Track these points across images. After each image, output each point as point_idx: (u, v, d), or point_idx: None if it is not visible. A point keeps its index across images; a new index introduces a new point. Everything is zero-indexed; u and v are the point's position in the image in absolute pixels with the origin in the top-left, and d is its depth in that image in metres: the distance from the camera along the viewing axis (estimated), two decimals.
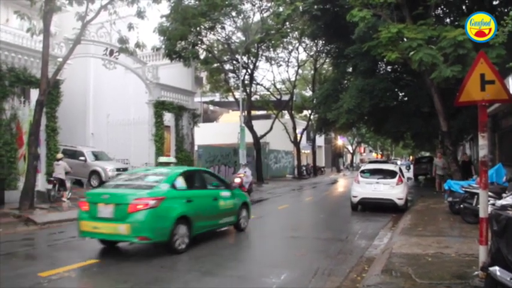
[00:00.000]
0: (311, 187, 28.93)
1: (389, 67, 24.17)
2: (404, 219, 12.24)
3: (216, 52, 30.21)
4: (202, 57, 28.01)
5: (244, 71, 29.77)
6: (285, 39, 30.77)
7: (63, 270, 7.10)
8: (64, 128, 18.68)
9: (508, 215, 4.62)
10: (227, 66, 31.77)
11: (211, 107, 52.97)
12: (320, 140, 50.86)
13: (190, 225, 8.82)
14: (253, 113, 37.04)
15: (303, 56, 39.12)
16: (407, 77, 23.59)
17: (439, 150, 22.05)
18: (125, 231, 7.92)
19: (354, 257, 8.28)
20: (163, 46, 24.80)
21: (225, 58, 30.81)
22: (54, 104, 17.27)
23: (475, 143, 26.35)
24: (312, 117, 40.17)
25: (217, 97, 40.40)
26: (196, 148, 27.51)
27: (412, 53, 14.25)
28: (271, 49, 31.81)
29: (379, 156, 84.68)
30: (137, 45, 15.96)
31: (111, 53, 20.58)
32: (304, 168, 42.13)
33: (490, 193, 7.96)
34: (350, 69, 24.87)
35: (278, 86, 39.32)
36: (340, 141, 63.63)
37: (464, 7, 18.88)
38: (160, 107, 23.23)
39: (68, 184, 16.58)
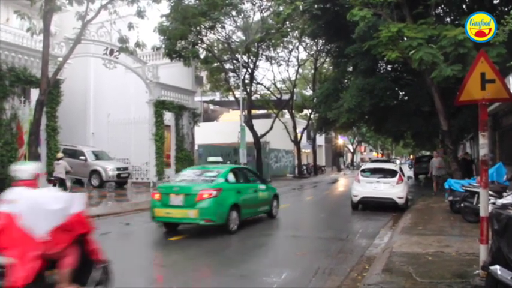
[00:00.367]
0: (311, 186, 28.93)
1: (389, 66, 24.15)
2: (405, 218, 12.23)
3: (216, 51, 30.22)
4: (202, 56, 28.01)
5: (244, 70, 29.77)
6: (285, 39, 30.78)
7: None
8: (64, 127, 18.70)
9: (508, 214, 4.62)
10: (227, 66, 31.77)
11: (211, 107, 52.99)
12: (320, 139, 50.86)
13: (239, 211, 10.95)
14: (254, 112, 37.05)
15: (303, 55, 39.13)
16: (407, 76, 23.57)
17: (439, 150, 22.06)
18: (194, 215, 10.06)
19: (354, 256, 8.27)
20: (163, 45, 24.80)
21: (225, 57, 30.82)
22: (55, 104, 17.30)
23: (475, 142, 26.34)
24: (312, 116, 40.19)
25: (217, 96, 40.43)
26: (196, 147, 27.54)
27: (412, 52, 14.24)
28: (271, 48, 31.83)
29: (380, 155, 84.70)
30: (137, 44, 15.96)
31: (111, 52, 20.61)
32: (304, 167, 42.12)
33: (490, 192, 7.97)
34: (350, 69, 24.85)
35: (278, 85, 39.32)
36: (341, 140, 63.63)
37: (464, 6, 18.86)
38: (160, 106, 23.26)
39: (68, 183, 16.59)
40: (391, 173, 15.21)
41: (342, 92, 23.05)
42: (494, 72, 5.97)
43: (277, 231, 11.61)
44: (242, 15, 28.76)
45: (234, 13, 27.95)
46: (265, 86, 38.15)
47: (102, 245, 9.48)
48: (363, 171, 15.96)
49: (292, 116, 39.01)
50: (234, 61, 30.39)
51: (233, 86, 33.33)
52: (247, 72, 30.90)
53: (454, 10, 19.53)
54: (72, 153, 21.67)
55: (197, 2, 24.56)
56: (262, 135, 32.32)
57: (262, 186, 12.94)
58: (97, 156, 22.37)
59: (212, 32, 28.39)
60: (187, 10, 21.25)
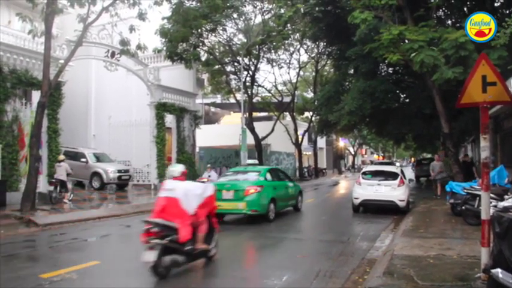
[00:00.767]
0: (312, 189, 28.90)
1: (390, 69, 24.15)
2: (406, 221, 12.21)
3: (217, 54, 30.24)
4: (203, 59, 28.02)
5: (245, 72, 29.79)
6: (286, 41, 30.79)
7: (65, 272, 7.10)
8: (66, 129, 18.71)
9: (510, 217, 4.60)
10: (228, 68, 31.78)
11: (212, 109, 53.00)
12: (321, 142, 50.84)
13: (275, 204, 13.43)
14: (255, 114, 37.01)
15: (304, 57, 39.27)
16: (408, 79, 23.56)
17: (440, 152, 22.01)
18: (242, 207, 12.53)
19: (355, 259, 8.26)
20: (164, 48, 24.82)
21: (226, 60, 30.83)
22: (56, 106, 17.31)
23: (476, 144, 26.32)
24: (313, 118, 40.18)
25: (218, 99, 40.39)
26: (197, 150, 27.51)
27: (413, 54, 14.24)
28: (272, 51, 31.83)
29: (381, 158, 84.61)
30: (138, 47, 15.99)
31: (113, 54, 20.64)
32: (305, 169, 42.09)
33: (492, 195, 7.95)
34: (351, 71, 24.86)
35: (279, 87, 39.34)
36: (342, 142, 63.61)
37: (465, 9, 18.86)
38: (161, 108, 23.28)
39: (70, 186, 16.60)
40: (392, 176, 15.19)
41: (343, 95, 23.05)
42: (496, 74, 5.97)
43: (276, 234, 11.60)
44: (243, 17, 28.79)
45: (235, 15, 27.97)
46: (266, 89, 38.16)
47: (102, 246, 9.55)
48: (364, 173, 15.94)
49: (294, 119, 39.00)
50: (235, 63, 30.41)
51: (234, 88, 33.33)
52: (249, 75, 30.92)
53: (455, 13, 19.55)
54: (74, 156, 21.67)
55: (198, 4, 24.59)
56: (264, 138, 32.32)
57: (291, 184, 15.57)
58: (98, 158, 22.37)
59: (213, 34, 28.41)
60: (188, 12, 21.28)
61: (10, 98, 15.73)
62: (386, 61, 16.31)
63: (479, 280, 5.80)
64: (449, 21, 20.14)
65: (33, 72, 16.60)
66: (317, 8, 21.86)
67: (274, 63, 35.22)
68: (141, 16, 15.68)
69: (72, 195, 16.61)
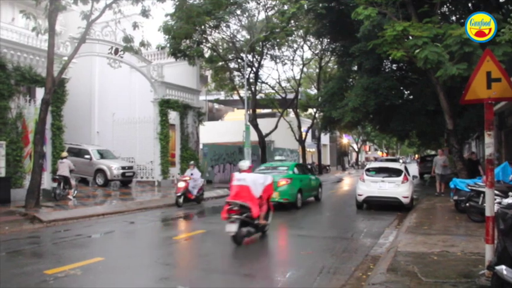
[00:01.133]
0: None
1: (394, 65, 24.10)
2: (410, 218, 12.19)
3: (220, 50, 30.19)
4: (207, 55, 28.00)
5: (249, 69, 29.75)
6: (289, 38, 30.68)
7: (69, 268, 7.12)
8: (69, 126, 18.76)
9: None
10: (232, 65, 31.74)
11: (216, 106, 53.04)
12: (325, 139, 50.79)
13: (302, 194, 15.72)
14: (258, 111, 37.02)
15: (308, 54, 39.25)
16: (412, 75, 23.51)
17: (445, 148, 21.90)
18: (276, 196, 13.78)
19: (359, 256, 8.25)
20: (168, 45, 24.84)
21: (229, 56, 30.78)
22: (60, 103, 17.35)
23: (481, 141, 26.26)
24: (317, 115, 40.13)
25: (222, 95, 40.41)
26: (201, 146, 27.54)
27: (417, 51, 14.20)
28: (276, 47, 31.74)
29: (385, 154, 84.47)
30: (142, 44, 15.97)
31: (116, 51, 20.66)
32: (309, 166, 42.02)
33: (496, 192, 7.93)
34: (355, 68, 24.83)
35: (283, 84, 39.32)
36: (345, 139, 63.54)
37: (470, 5, 18.79)
38: (165, 105, 23.30)
39: (73, 182, 16.65)
40: (396, 173, 15.15)
41: (347, 91, 23.04)
42: (500, 71, 5.94)
43: (280, 230, 11.60)
44: (247, 14, 28.74)
45: (238, 12, 27.93)
46: (270, 85, 38.14)
47: (106, 243, 9.57)
48: (368, 170, 15.91)
49: (297, 115, 38.98)
50: (239, 60, 30.37)
51: (238, 85, 33.31)
52: (252, 71, 30.87)
53: (460, 9, 19.48)
54: (77, 152, 21.76)
55: (202, 1, 24.57)
56: (267, 134, 32.30)
57: (313, 177, 17.94)
58: (102, 155, 22.43)
59: (217, 31, 28.38)
60: (191, 9, 21.20)
61: (14, 95, 15.76)
62: (390, 57, 16.27)
63: (483, 277, 5.79)
64: (454, 17, 20.08)
65: (37, 69, 16.63)
66: (320, 5, 21.82)
67: (277, 60, 35.13)
68: (145, 13, 15.66)
69: (76, 192, 16.67)
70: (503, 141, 18.24)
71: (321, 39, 32.18)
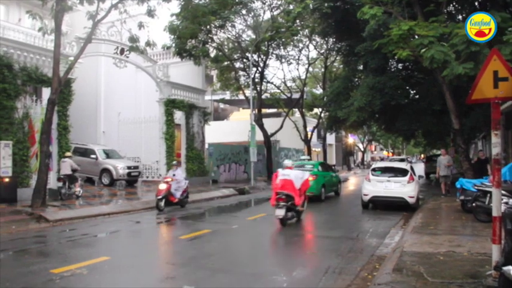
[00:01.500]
0: None
1: (400, 65, 24.01)
2: (416, 218, 12.15)
3: (226, 50, 30.20)
4: (212, 55, 28.02)
5: (254, 69, 29.74)
6: (295, 37, 30.62)
7: (75, 267, 7.15)
8: (75, 126, 18.84)
9: None
10: (237, 64, 31.74)
11: (221, 105, 53.05)
12: (331, 138, 50.67)
13: (325, 189, 18.29)
14: (264, 111, 36.96)
15: (313, 53, 39.18)
16: (418, 75, 23.42)
17: (451, 148, 21.78)
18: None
19: (364, 256, 8.24)
20: (173, 44, 24.88)
21: (235, 56, 30.78)
22: (66, 103, 17.42)
23: (487, 141, 26.11)
24: (322, 115, 40.02)
25: (227, 95, 40.38)
26: (206, 146, 27.56)
27: (423, 50, 14.13)
28: (281, 47, 31.70)
29: (390, 154, 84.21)
30: (148, 43, 16.00)
31: (122, 51, 20.72)
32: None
33: (503, 192, 7.87)
34: (361, 67, 24.76)
35: (288, 84, 39.17)
36: (351, 139, 63.37)
37: (477, 3, 18.67)
38: (170, 105, 23.34)
39: (79, 181, 16.71)
40: (402, 172, 15.10)
41: (353, 91, 22.99)
42: (508, 70, 5.90)
43: (287, 229, 11.60)
44: (252, 13, 28.74)
45: (244, 12, 27.93)
46: (275, 85, 38.04)
47: (112, 242, 9.58)
48: (374, 170, 15.87)
49: (303, 115, 38.88)
50: (244, 60, 30.37)
51: (243, 84, 33.28)
52: (257, 71, 30.86)
53: (466, 8, 19.34)
54: (83, 152, 21.84)
55: (207, 0, 24.59)
56: (273, 134, 32.27)
57: (334, 174, 20.66)
58: (108, 154, 22.50)
59: (222, 30, 28.40)
60: (197, 9, 21.21)
61: (21, 95, 15.85)
62: (395, 57, 16.20)
63: (490, 278, 5.76)
64: (460, 16, 19.95)
65: (43, 69, 16.71)
66: (326, 4, 21.78)
67: (283, 60, 35.04)
68: (150, 13, 15.70)
69: (82, 192, 16.73)
70: (510, 141, 18.12)
71: (326, 39, 32.06)
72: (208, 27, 25.56)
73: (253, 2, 27.79)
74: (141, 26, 15.28)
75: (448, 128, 23.26)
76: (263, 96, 33.53)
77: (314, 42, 35.81)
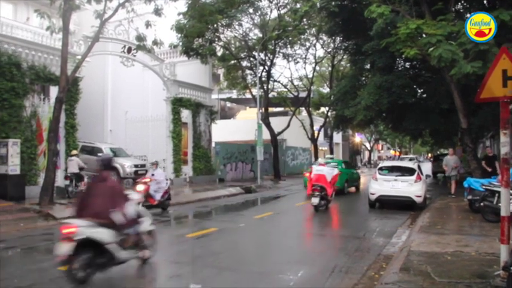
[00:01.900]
0: None
1: (407, 63, 23.87)
2: (423, 217, 12.10)
3: (233, 49, 30.21)
4: (219, 54, 28.04)
5: (261, 67, 29.73)
6: (302, 36, 30.59)
7: None
8: (83, 124, 18.92)
9: None
10: (244, 63, 31.73)
11: (228, 104, 53.10)
12: (337, 137, 50.57)
13: (348, 183, 20.89)
14: (271, 109, 36.93)
15: (320, 52, 39.07)
16: (426, 74, 23.28)
17: (458, 147, 21.64)
18: None
19: (371, 255, 8.22)
20: (180, 43, 24.89)
21: (242, 55, 30.78)
22: (73, 101, 17.50)
23: (496, 140, 25.94)
24: (329, 114, 39.93)
25: (234, 94, 40.39)
26: (213, 145, 27.60)
27: (431, 49, 14.04)
28: (288, 46, 31.66)
29: (397, 153, 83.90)
30: (155, 42, 16.04)
31: (129, 50, 20.77)
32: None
33: (511, 191, 7.82)
34: (368, 66, 24.65)
35: (295, 82, 39.11)
36: (358, 138, 63.19)
37: (485, 1, 18.54)
38: (177, 103, 23.39)
39: (86, 180, 16.78)
40: (409, 171, 15.05)
41: (360, 90, 22.90)
42: None
43: (294, 228, 11.58)
44: (259, 12, 28.72)
45: (251, 10, 27.92)
46: (282, 84, 38.01)
47: None
48: (381, 169, 15.83)
49: (309, 114, 38.81)
50: (251, 58, 30.36)
51: (250, 83, 33.27)
52: (264, 70, 30.85)
53: (474, 6, 19.19)
54: (90, 150, 21.90)
55: None
56: (279, 133, 32.25)
57: (354, 171, 23.60)
58: (115, 153, 22.50)
59: (229, 29, 28.41)
60: (204, 8, 21.27)
61: (29, 93, 15.94)
62: (403, 56, 16.12)
63: (498, 278, 5.71)
64: (468, 15, 19.80)
65: (51, 68, 16.80)
66: (333, 3, 21.70)
67: (290, 58, 34.99)
68: (157, 12, 15.74)
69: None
70: None
71: (333, 38, 31.94)
72: (215, 26, 25.58)
73: (260, 1, 27.80)
74: (148, 24, 15.32)
75: (455, 127, 23.12)
76: (270, 95, 33.51)
77: (321, 41, 35.77)
